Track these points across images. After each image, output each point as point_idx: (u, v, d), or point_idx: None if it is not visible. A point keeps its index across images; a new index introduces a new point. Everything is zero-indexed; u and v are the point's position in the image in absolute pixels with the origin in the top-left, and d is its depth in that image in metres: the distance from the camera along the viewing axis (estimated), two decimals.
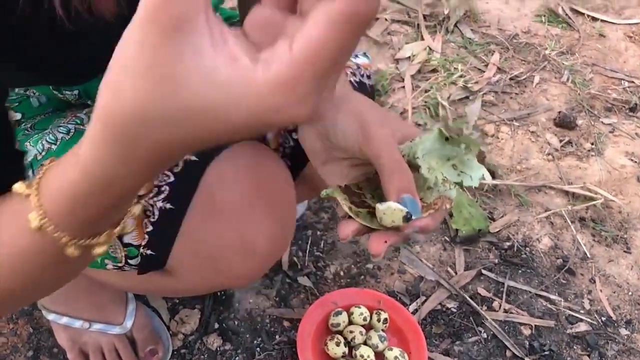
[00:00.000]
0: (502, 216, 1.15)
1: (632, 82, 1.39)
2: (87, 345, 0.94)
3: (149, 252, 0.60)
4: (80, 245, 0.39)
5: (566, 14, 1.53)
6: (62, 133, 0.68)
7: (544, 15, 1.53)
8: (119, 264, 0.63)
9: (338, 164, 0.54)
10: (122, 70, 0.29)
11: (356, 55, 0.79)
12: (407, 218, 0.46)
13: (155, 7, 0.26)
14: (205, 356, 0.95)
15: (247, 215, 0.59)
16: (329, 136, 0.53)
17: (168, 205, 0.58)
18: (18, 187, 0.40)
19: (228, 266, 0.60)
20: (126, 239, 0.60)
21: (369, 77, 0.76)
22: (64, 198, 0.37)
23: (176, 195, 0.58)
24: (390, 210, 0.46)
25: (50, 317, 0.93)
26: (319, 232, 1.11)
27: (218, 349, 0.96)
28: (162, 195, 0.58)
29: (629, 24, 1.53)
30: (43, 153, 0.66)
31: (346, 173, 0.54)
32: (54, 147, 0.67)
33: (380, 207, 0.47)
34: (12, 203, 0.41)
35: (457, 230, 1.11)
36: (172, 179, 0.59)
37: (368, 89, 0.74)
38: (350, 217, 0.50)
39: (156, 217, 0.58)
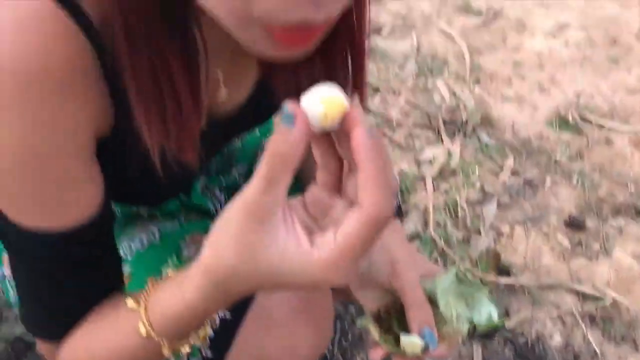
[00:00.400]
0: (517, 313, 1.24)
1: (638, 186, 1.50)
2: None
3: (209, 353, 0.70)
4: (173, 347, 0.53)
5: (575, 121, 1.66)
6: (137, 245, 0.80)
7: (555, 122, 1.66)
8: None
9: (371, 290, 0.65)
10: (222, 236, 0.42)
11: None
12: (425, 348, 0.57)
13: (249, 203, 0.40)
14: None
15: (293, 327, 0.70)
16: (364, 268, 0.65)
17: (227, 315, 0.69)
18: (129, 303, 0.53)
19: None
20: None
21: (396, 196, 0.88)
22: (168, 321, 0.50)
23: (234, 308, 0.69)
24: (411, 342, 0.57)
25: None
26: (347, 324, 1.21)
27: None
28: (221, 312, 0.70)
29: (635, 131, 1.65)
30: (125, 259, 0.78)
31: (378, 298, 0.65)
32: (129, 257, 0.79)
33: (403, 339, 0.58)
34: (120, 312, 0.55)
35: (474, 325, 1.20)
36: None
37: (394, 207, 0.86)
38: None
39: (217, 324, 0.69)
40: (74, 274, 0.56)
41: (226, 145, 0.87)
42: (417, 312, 0.58)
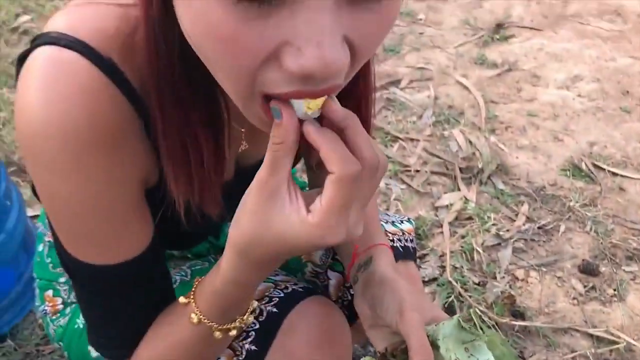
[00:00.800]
0: (532, 355, 1.27)
1: None
2: None
3: None
4: (223, 329, 0.61)
5: (589, 169, 1.71)
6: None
7: (569, 170, 1.71)
8: None
9: (381, 329, 0.71)
10: (242, 214, 0.52)
11: (401, 221, 0.98)
12: None
13: (259, 183, 0.49)
14: None
15: (316, 351, 0.75)
16: (375, 308, 0.70)
17: (253, 347, 0.75)
18: (181, 299, 0.63)
19: None
20: None
21: (411, 240, 0.94)
22: (213, 299, 0.60)
23: (259, 340, 0.75)
24: None
25: None
26: None
27: None
28: (250, 339, 0.75)
29: None
30: None
31: (387, 338, 0.70)
32: None
33: None
34: (175, 310, 0.64)
35: None
36: (257, 325, 0.76)
37: (411, 251, 0.92)
38: None
39: (243, 355, 0.75)
40: (131, 297, 0.64)
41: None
42: (419, 355, 0.63)
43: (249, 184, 0.72)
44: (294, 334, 0.75)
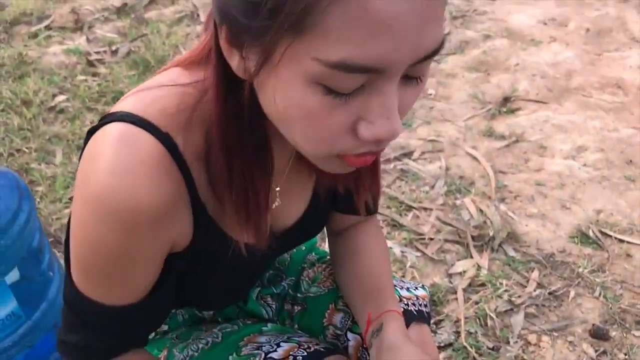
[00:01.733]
0: None
1: None
2: None
3: None
4: None
5: (596, 236, 1.77)
6: (202, 344, 0.94)
7: (577, 237, 1.77)
8: None
9: None
10: None
11: (416, 288, 1.05)
12: None
13: None
14: None
15: None
16: None
17: None
18: None
19: None
20: None
21: (425, 305, 1.01)
22: None
23: None
24: None
25: None
26: None
27: None
28: None
29: None
30: (193, 355, 0.92)
31: None
32: (196, 354, 0.93)
33: None
34: None
35: None
36: None
37: (425, 315, 0.99)
38: None
39: None
40: (106, 330, 0.72)
41: (278, 258, 1.04)
42: None
43: (282, 247, 0.82)
44: None
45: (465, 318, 1.53)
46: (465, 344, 1.45)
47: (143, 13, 3.07)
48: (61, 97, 2.41)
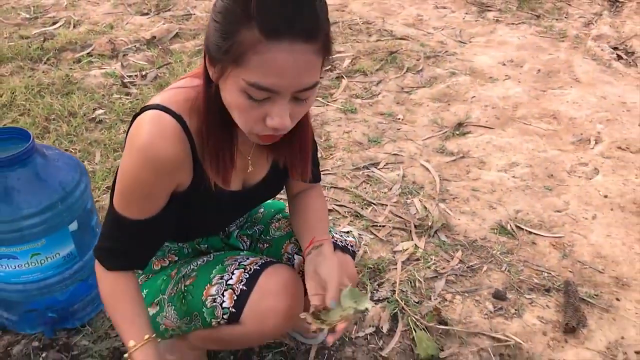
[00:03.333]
0: (449, 349, 1.76)
1: (549, 273, 2.04)
2: None
3: (233, 310, 1.30)
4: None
5: (512, 229, 2.23)
6: (200, 262, 1.42)
7: (497, 229, 2.24)
8: (218, 320, 1.32)
9: (315, 282, 1.26)
10: None
11: (348, 236, 1.53)
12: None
13: None
14: None
15: (279, 296, 1.29)
16: (317, 269, 1.26)
17: (243, 287, 1.30)
18: (131, 343, 1.21)
19: (269, 320, 1.29)
20: (224, 305, 1.30)
21: (352, 246, 1.49)
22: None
23: (247, 282, 1.30)
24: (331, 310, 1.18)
25: None
26: (332, 351, 1.76)
27: None
28: (241, 283, 1.30)
29: (555, 236, 2.21)
30: (191, 271, 1.40)
31: (317, 288, 1.25)
32: (196, 267, 1.41)
33: (332, 304, 1.19)
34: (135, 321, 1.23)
35: (418, 354, 1.73)
36: (246, 274, 1.31)
37: (349, 249, 1.47)
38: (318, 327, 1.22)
39: (238, 292, 1.30)
40: (131, 237, 1.20)
41: (250, 208, 1.53)
42: (332, 294, 1.19)
43: (251, 196, 1.32)
44: (270, 279, 1.30)
45: (400, 281, 1.99)
46: (397, 298, 1.92)
47: (168, 45, 3.61)
48: (100, 111, 2.93)
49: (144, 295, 1.44)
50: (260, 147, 1.27)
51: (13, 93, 3.02)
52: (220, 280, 1.35)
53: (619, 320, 1.87)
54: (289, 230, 1.52)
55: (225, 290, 1.32)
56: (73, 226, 1.67)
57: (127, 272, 1.26)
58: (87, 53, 3.51)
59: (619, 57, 3.56)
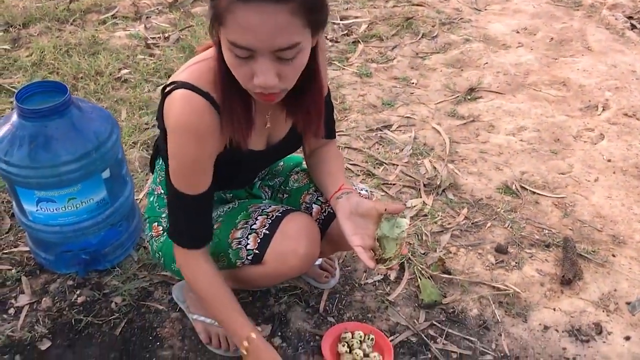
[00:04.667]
0: (452, 296, 1.89)
1: (550, 231, 2.15)
2: (211, 332, 1.72)
3: (257, 251, 1.43)
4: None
5: (516, 189, 2.33)
6: (226, 209, 1.55)
7: (502, 189, 2.34)
8: (242, 260, 1.46)
9: (352, 222, 1.37)
10: None
11: (361, 189, 1.64)
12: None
13: None
14: (275, 345, 1.71)
15: (298, 240, 1.41)
16: (356, 207, 1.38)
17: (266, 231, 1.43)
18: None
19: (289, 261, 1.42)
20: (249, 247, 1.43)
21: (366, 198, 1.61)
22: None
23: (270, 227, 1.42)
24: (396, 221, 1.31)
25: (193, 316, 1.74)
26: (343, 295, 1.89)
27: (280, 345, 1.72)
28: (264, 228, 1.43)
29: (557, 196, 2.31)
30: (218, 216, 1.53)
31: (359, 224, 1.37)
32: (222, 213, 1.54)
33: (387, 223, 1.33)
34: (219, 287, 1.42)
35: (422, 299, 1.86)
36: (269, 220, 1.44)
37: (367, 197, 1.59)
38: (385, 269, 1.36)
39: (261, 236, 1.42)
40: (197, 212, 1.33)
41: (273, 163, 1.64)
42: (391, 207, 1.35)
43: (273, 155, 1.44)
44: (290, 224, 1.43)
45: (408, 235, 2.11)
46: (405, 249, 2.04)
47: (190, 8, 3.70)
48: (125, 71, 3.04)
49: None
50: (278, 108, 1.37)
51: (42, 52, 3.14)
52: (245, 225, 1.47)
53: (613, 274, 1.98)
54: (307, 182, 1.64)
55: (249, 234, 1.45)
56: (106, 174, 1.80)
57: (207, 257, 1.42)
58: (112, 15, 3.61)
59: (633, 27, 3.59)
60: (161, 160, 1.56)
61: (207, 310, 1.58)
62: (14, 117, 1.72)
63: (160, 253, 1.62)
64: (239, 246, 1.47)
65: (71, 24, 3.50)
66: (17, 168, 1.68)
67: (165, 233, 1.60)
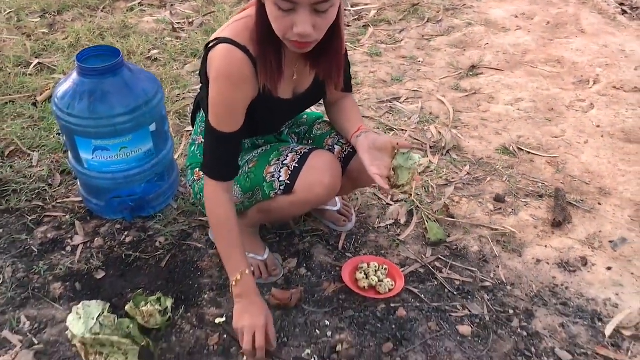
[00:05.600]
0: (455, 235, 2.13)
1: (543, 184, 2.38)
2: None
3: (288, 182, 1.67)
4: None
5: (514, 150, 2.57)
6: (259, 152, 1.80)
7: (500, 150, 2.57)
8: (276, 191, 1.70)
9: (373, 156, 1.62)
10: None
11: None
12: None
13: None
14: (298, 278, 1.95)
15: (324, 172, 1.65)
16: (374, 142, 1.63)
17: (295, 165, 1.67)
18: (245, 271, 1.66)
19: (315, 190, 1.66)
20: (281, 179, 1.68)
21: None
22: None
23: (299, 162, 1.67)
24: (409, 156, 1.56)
25: None
26: (359, 236, 2.13)
27: (305, 274, 1.97)
28: (294, 162, 1.68)
29: (551, 156, 2.55)
30: (253, 157, 1.78)
31: (378, 158, 1.61)
32: (255, 156, 1.78)
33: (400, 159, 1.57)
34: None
35: (429, 238, 2.10)
36: (298, 156, 1.68)
37: None
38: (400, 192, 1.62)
39: (292, 169, 1.67)
40: (227, 149, 1.58)
41: (299, 113, 1.89)
42: (402, 143, 1.59)
43: (299, 104, 1.70)
44: (316, 159, 1.67)
45: (416, 187, 2.35)
46: (413, 198, 2.28)
47: None
48: (155, 51, 3.29)
49: None
50: (303, 60, 1.62)
51: (77, 35, 3.40)
52: (277, 162, 1.72)
53: (598, 219, 2.22)
54: (329, 129, 1.88)
55: (281, 168, 1.70)
56: (152, 127, 2.05)
57: (230, 193, 1.65)
58: (139, 2, 3.86)
59: (624, 12, 3.82)
60: (202, 113, 1.81)
61: (215, 239, 1.76)
62: (74, 75, 1.97)
63: (201, 194, 1.86)
64: (273, 179, 1.71)
65: (102, 10, 3.76)
66: (77, 119, 1.93)
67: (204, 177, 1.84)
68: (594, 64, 3.23)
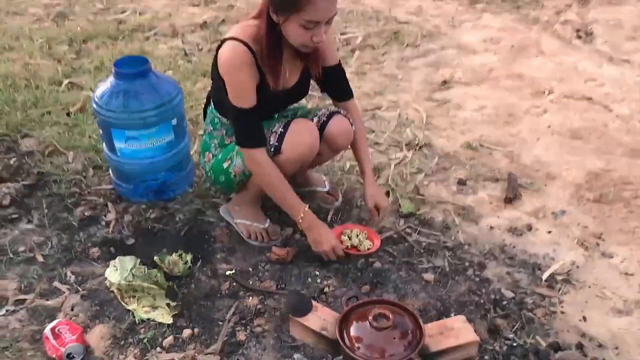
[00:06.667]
0: (423, 209, 2.54)
1: (499, 171, 2.80)
2: (250, 230, 2.37)
3: (276, 144, 2.10)
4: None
5: (476, 146, 2.99)
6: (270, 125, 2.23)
7: (465, 146, 2.99)
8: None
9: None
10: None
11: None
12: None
13: None
14: (293, 241, 2.36)
15: (305, 133, 2.08)
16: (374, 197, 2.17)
17: (281, 130, 2.11)
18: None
19: (299, 148, 2.08)
20: (271, 143, 2.11)
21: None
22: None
23: (284, 127, 2.10)
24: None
25: (237, 221, 2.40)
26: (344, 212, 2.54)
27: (298, 239, 2.37)
28: (280, 128, 2.11)
29: (507, 150, 2.97)
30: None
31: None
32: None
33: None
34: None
35: (402, 212, 2.51)
36: (282, 124, 2.12)
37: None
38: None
39: (278, 133, 2.10)
40: (252, 120, 2.04)
41: (288, 105, 2.33)
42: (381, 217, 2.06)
43: (288, 97, 2.20)
44: (298, 125, 2.11)
45: (393, 175, 2.77)
46: (390, 183, 2.70)
47: (217, 27, 4.44)
48: (169, 72, 3.75)
49: (220, 158, 2.25)
50: (294, 58, 2.08)
51: (101, 60, 3.86)
52: (268, 131, 2.15)
53: (544, 197, 2.63)
54: (310, 112, 2.33)
55: (271, 135, 2.12)
56: (174, 122, 2.48)
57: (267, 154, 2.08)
58: (154, 33, 4.34)
59: (579, 37, 4.31)
60: (212, 106, 2.25)
61: (270, 192, 2.18)
62: (111, 78, 2.41)
63: (211, 172, 2.29)
64: None
65: (121, 39, 4.24)
66: (114, 113, 2.36)
67: (214, 158, 2.27)
68: (550, 78, 3.69)
